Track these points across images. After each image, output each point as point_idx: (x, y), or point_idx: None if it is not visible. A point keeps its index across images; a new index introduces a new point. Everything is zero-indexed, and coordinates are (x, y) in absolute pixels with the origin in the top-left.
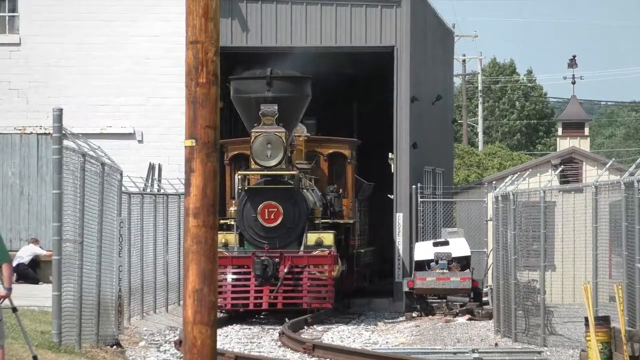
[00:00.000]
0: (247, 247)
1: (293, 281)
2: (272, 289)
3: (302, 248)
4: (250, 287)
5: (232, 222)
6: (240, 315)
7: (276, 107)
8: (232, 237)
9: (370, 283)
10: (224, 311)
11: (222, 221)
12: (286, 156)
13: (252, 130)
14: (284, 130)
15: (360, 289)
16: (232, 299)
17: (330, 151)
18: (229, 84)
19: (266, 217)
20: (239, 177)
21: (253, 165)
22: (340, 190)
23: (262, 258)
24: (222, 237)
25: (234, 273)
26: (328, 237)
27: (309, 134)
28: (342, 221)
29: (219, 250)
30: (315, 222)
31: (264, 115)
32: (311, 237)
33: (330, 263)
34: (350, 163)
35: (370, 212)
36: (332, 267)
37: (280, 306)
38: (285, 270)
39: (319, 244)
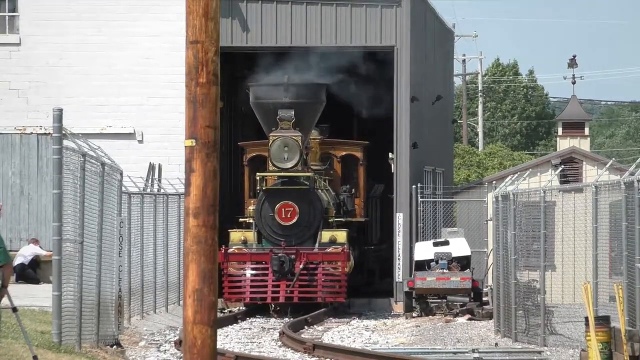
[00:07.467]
0: (264, 244)
1: (308, 277)
2: (289, 283)
3: (316, 245)
4: (268, 282)
5: (251, 221)
6: (259, 308)
7: (293, 112)
8: (250, 235)
9: (380, 280)
10: (243, 304)
11: (241, 219)
12: (302, 158)
13: (270, 134)
14: (300, 134)
15: (369, 285)
16: (251, 292)
17: (343, 153)
18: (248, 89)
19: (283, 216)
20: (258, 178)
21: (271, 167)
22: (353, 190)
23: (279, 255)
24: (241, 234)
25: (252, 269)
26: (341, 235)
27: (322, 137)
28: (354, 220)
29: (239, 247)
30: (329, 220)
31: (282, 119)
32: (325, 235)
33: (343, 260)
34: (362, 164)
35: (380, 212)
36: (345, 264)
37: (296, 300)
38: (301, 266)
39: (332, 242)
